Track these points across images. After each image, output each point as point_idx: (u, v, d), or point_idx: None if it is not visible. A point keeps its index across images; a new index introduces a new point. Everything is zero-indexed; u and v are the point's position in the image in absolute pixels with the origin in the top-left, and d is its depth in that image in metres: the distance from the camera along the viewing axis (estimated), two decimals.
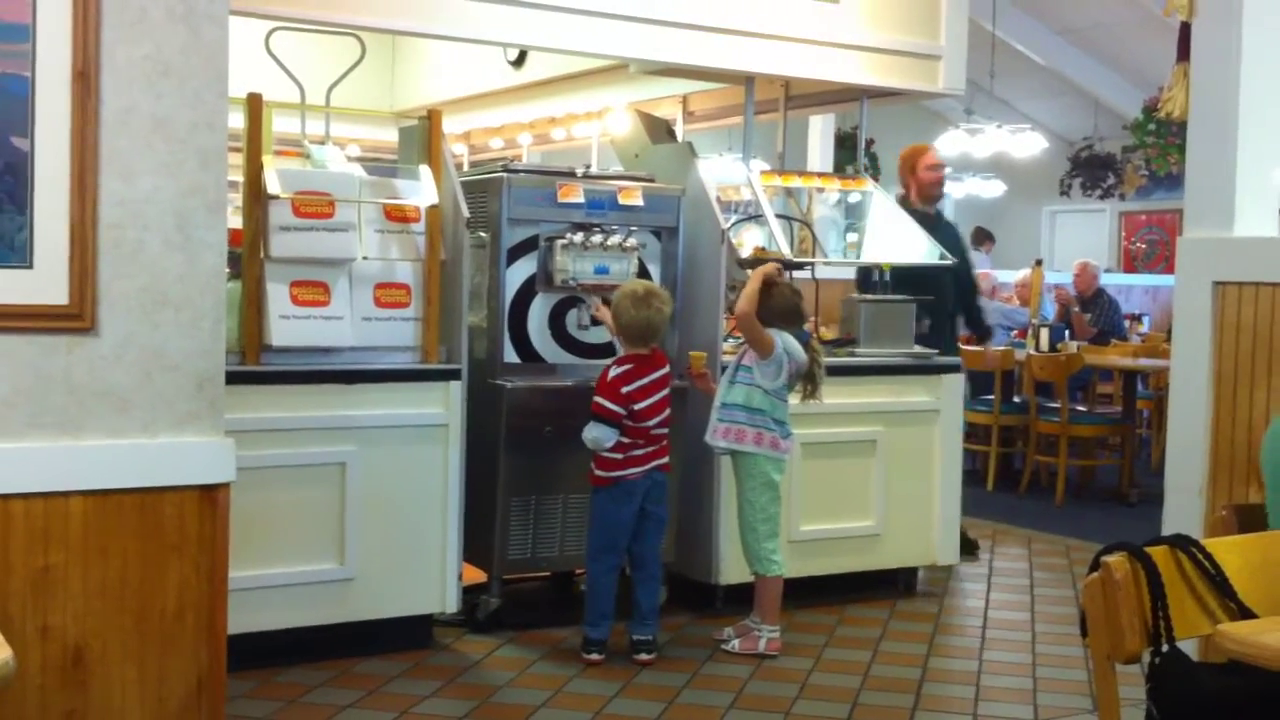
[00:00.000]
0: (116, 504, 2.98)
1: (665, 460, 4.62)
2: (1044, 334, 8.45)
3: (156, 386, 2.99)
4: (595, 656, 4.51)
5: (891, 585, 5.53)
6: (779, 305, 4.70)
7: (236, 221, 4.15)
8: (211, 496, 3.09)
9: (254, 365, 4.24)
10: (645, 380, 4.53)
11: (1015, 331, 9.22)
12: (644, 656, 4.52)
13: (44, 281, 2.84)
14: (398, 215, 4.49)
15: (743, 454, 4.68)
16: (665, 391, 4.60)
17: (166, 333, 2.99)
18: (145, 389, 2.98)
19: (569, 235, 4.88)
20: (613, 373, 4.55)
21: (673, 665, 4.53)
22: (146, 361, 2.98)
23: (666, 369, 4.63)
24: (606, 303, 4.78)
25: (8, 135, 2.77)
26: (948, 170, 6.98)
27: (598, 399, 4.50)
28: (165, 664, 3.09)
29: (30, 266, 2.83)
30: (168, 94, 2.93)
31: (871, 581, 5.46)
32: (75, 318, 2.88)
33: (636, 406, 4.50)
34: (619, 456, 4.53)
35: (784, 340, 4.65)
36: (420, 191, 4.51)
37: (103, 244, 2.90)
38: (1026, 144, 13.14)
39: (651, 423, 4.54)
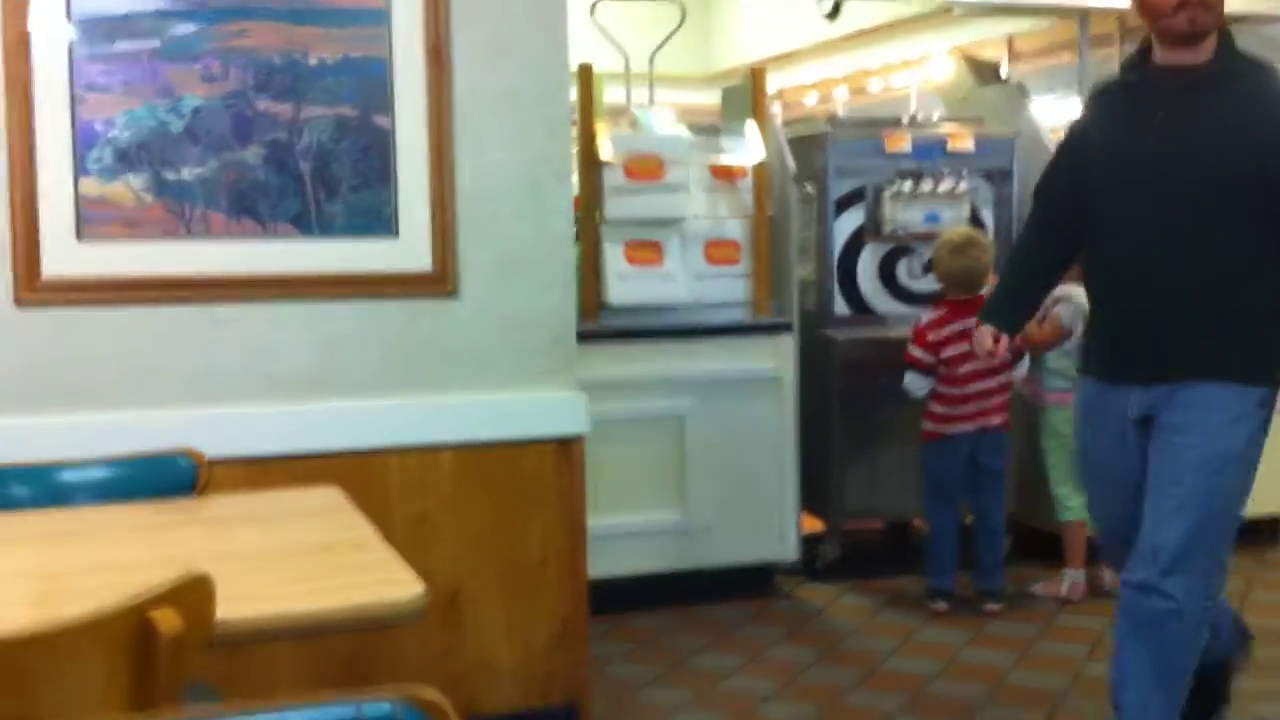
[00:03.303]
0: (481, 457, 3.16)
1: (997, 419, 4.49)
2: None
3: (514, 345, 3.15)
4: (940, 605, 4.47)
5: (1256, 534, 5.20)
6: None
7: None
8: (567, 448, 3.24)
9: (593, 324, 4.39)
10: (957, 327, 4.39)
11: None
12: (991, 606, 4.45)
13: (409, 250, 3.03)
14: (725, 173, 4.54)
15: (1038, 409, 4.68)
16: None
17: (521, 295, 3.15)
18: (504, 348, 3.15)
19: (897, 184, 4.81)
20: (924, 319, 4.50)
21: (1024, 615, 4.43)
22: (504, 322, 3.14)
23: None
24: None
25: (370, 114, 2.97)
26: None
27: (908, 347, 4.47)
28: (531, 608, 3.26)
29: (396, 236, 3.03)
30: (514, 68, 3.07)
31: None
32: (438, 283, 3.06)
33: (945, 354, 4.42)
34: (940, 410, 4.47)
35: (1073, 309, 4.41)
36: (746, 149, 4.55)
37: (461, 213, 3.07)
38: None
39: (961, 370, 4.41)
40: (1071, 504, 4.59)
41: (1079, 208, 3.08)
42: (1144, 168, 2.92)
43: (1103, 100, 3.15)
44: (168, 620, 1.44)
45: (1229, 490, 2.91)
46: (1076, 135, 3.18)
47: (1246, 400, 2.89)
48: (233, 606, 1.54)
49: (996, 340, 3.23)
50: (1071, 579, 4.61)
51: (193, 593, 1.49)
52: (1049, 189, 3.23)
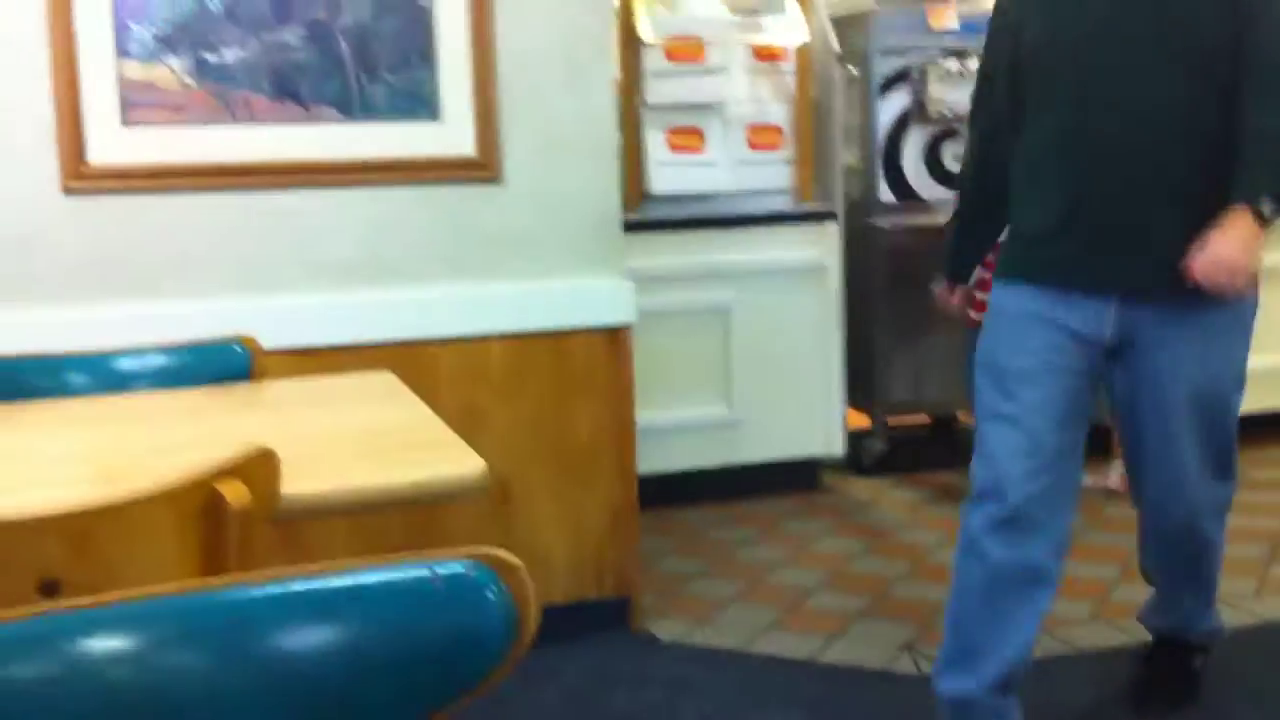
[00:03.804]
0: (531, 345, 3.12)
1: None
2: None
3: (559, 230, 3.09)
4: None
5: None
6: None
7: None
8: (615, 337, 3.19)
9: (636, 214, 4.31)
10: None
11: None
12: None
13: (452, 133, 2.96)
14: (767, 54, 4.42)
15: None
16: None
17: (567, 178, 3.07)
18: (549, 233, 3.08)
19: (943, 62, 4.68)
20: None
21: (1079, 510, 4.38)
22: (551, 207, 3.07)
23: None
24: None
25: None
26: None
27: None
28: (583, 498, 3.24)
29: (439, 119, 2.95)
30: None
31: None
32: (483, 167, 2.99)
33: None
34: (983, 296, 4.33)
35: None
36: (788, 29, 4.42)
37: (502, 95, 2.99)
38: None
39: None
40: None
41: (1019, 86, 2.59)
42: (1109, 22, 2.44)
43: None
44: (235, 492, 1.43)
45: (1234, 416, 2.62)
46: (1010, 14, 2.64)
47: (1238, 313, 2.53)
48: (296, 482, 1.52)
49: (953, 288, 2.91)
50: (1120, 470, 4.56)
51: (259, 466, 1.48)
52: (985, 69, 2.72)
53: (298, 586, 1.05)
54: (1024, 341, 2.53)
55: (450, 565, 1.09)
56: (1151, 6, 2.43)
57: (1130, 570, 3.76)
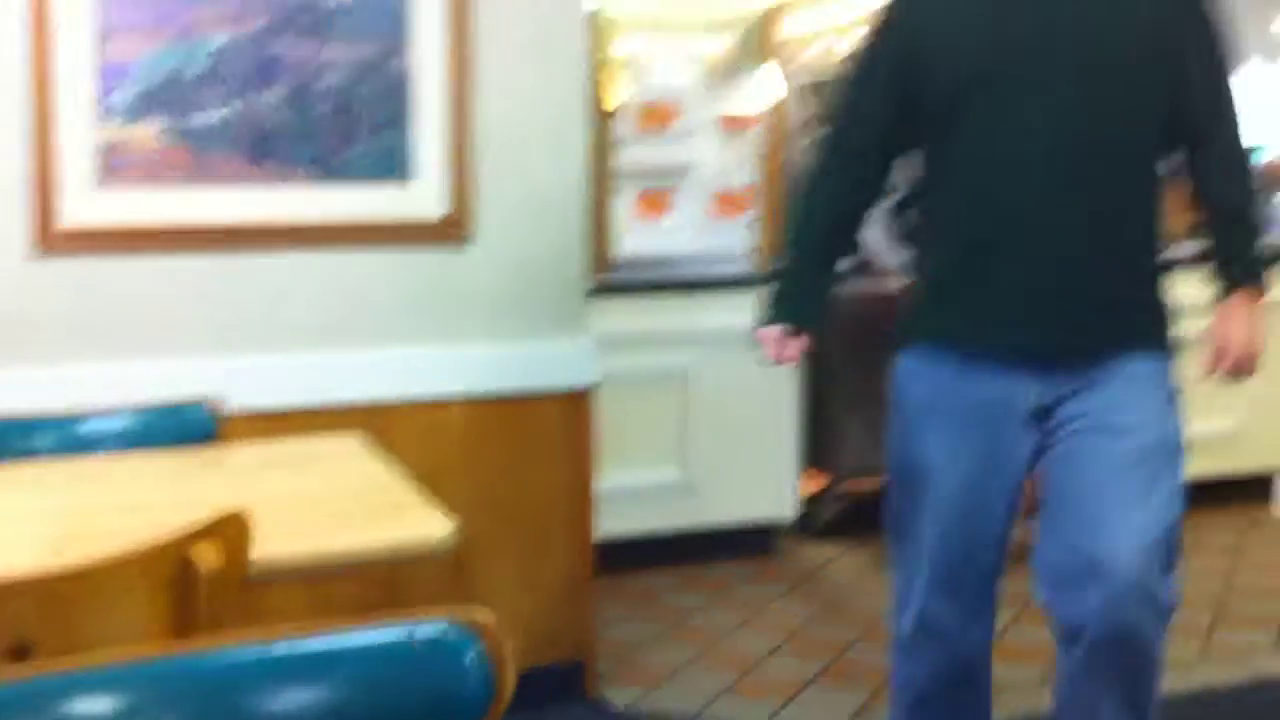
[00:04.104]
0: (492, 408, 3.14)
1: None
2: None
3: (528, 294, 3.12)
4: None
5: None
6: None
7: None
8: (578, 400, 3.21)
9: (601, 278, 4.34)
10: None
11: None
12: None
13: (426, 195, 2.99)
14: (735, 121, 4.51)
15: None
16: None
17: (536, 242, 3.11)
18: (518, 296, 3.12)
19: None
20: None
21: (1023, 571, 4.41)
22: (518, 270, 3.11)
23: None
24: None
25: (390, 56, 2.93)
26: None
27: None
28: (539, 562, 3.25)
29: (414, 181, 2.99)
30: (534, 11, 3.03)
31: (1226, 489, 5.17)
32: (454, 228, 3.02)
33: None
34: None
35: None
36: (757, 95, 4.50)
37: (477, 159, 3.03)
38: None
39: None
40: None
41: (908, 126, 2.31)
42: (1035, 51, 2.20)
43: None
44: (207, 556, 1.44)
45: (1179, 486, 2.29)
46: (906, 24, 2.32)
47: (1170, 374, 2.32)
48: (266, 544, 1.54)
49: (796, 335, 2.45)
50: None
51: (231, 530, 1.50)
52: (859, 108, 2.38)
53: (278, 650, 1.06)
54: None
55: (428, 627, 1.11)
56: (1094, 26, 2.22)
57: None
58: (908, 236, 2.63)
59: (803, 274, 2.50)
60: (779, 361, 2.49)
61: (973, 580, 2.40)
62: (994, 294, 2.28)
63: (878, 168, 2.42)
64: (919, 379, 2.43)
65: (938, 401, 2.38)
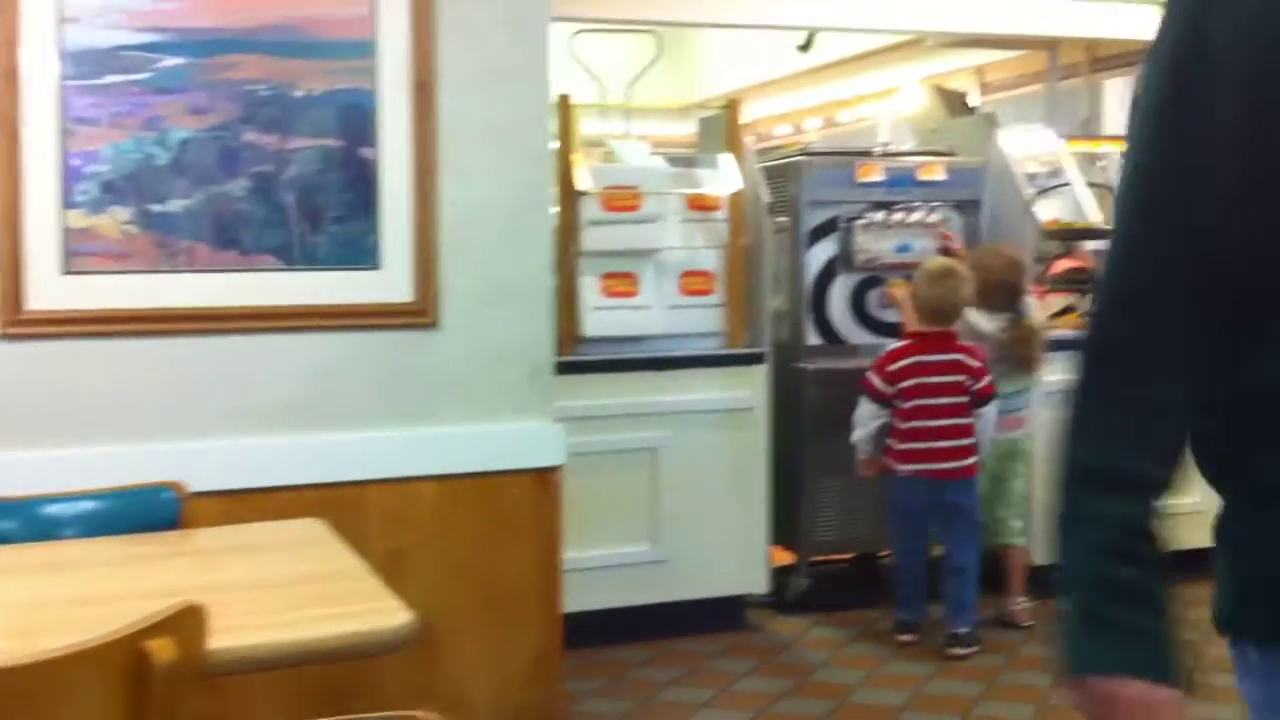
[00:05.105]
0: (461, 488, 3.17)
1: (964, 462, 4.37)
2: None
3: (494, 376, 3.17)
4: (906, 637, 4.46)
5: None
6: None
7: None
8: (545, 479, 3.25)
9: (569, 355, 4.40)
10: (919, 359, 4.36)
11: None
12: (955, 651, 4.34)
13: (391, 281, 3.04)
14: (701, 204, 4.58)
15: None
16: (951, 378, 4.36)
17: (502, 325, 3.16)
18: (484, 379, 3.16)
19: (869, 215, 4.87)
20: (889, 348, 4.47)
21: (992, 645, 4.45)
22: (485, 353, 3.16)
23: (958, 356, 4.38)
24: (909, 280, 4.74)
25: (356, 146, 2.99)
26: None
27: (867, 373, 4.44)
28: (506, 640, 3.26)
29: (379, 268, 3.04)
30: (498, 99, 3.10)
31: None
32: (420, 314, 3.08)
33: (903, 385, 4.35)
34: (898, 446, 4.39)
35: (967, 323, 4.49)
36: (721, 179, 4.59)
37: (443, 245, 3.08)
38: None
39: (910, 405, 4.33)
40: (1014, 525, 4.67)
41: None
42: None
43: None
44: (162, 649, 1.46)
45: None
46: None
47: None
48: (223, 637, 1.56)
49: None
50: (1021, 601, 4.65)
51: (186, 622, 1.51)
52: (1192, 190, 1.17)
53: None
54: None
55: None
56: None
57: (1046, 710, 3.83)
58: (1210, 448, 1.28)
59: (1142, 569, 1.24)
60: None
61: None
62: None
63: (1226, 282, 1.19)
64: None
65: None
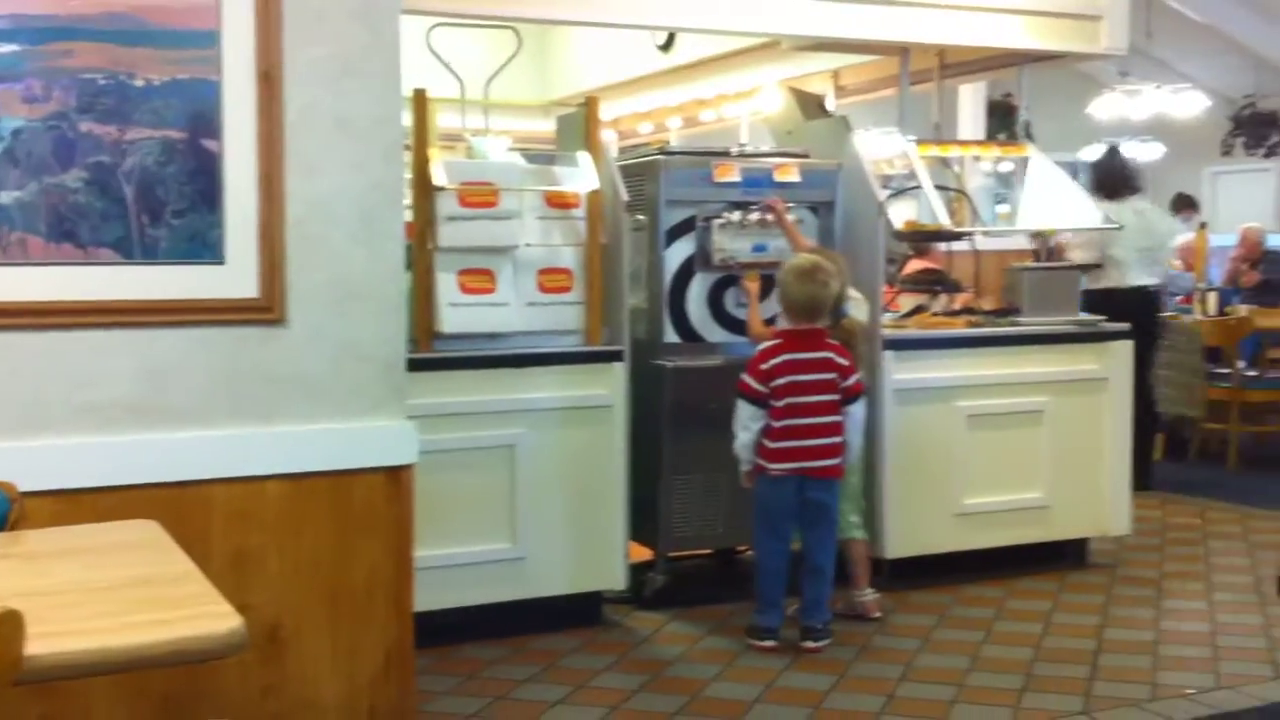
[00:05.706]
0: (310, 487, 3.12)
1: (829, 462, 4.42)
2: (1211, 298, 8.21)
3: (345, 374, 3.13)
4: (766, 644, 4.44)
5: (1061, 557, 5.45)
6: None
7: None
8: (397, 477, 3.22)
9: (426, 352, 4.36)
10: (790, 357, 4.39)
11: (1179, 298, 8.95)
12: (808, 644, 4.42)
13: (236, 277, 2.98)
14: (559, 201, 4.57)
15: None
16: (821, 375, 4.40)
17: (352, 322, 3.12)
18: (334, 377, 3.12)
19: (726, 214, 4.92)
20: (760, 348, 4.47)
21: (846, 638, 4.53)
22: (334, 350, 3.11)
23: (828, 354, 4.43)
24: (766, 280, 4.79)
25: (199, 138, 2.92)
26: None
27: (742, 375, 4.44)
28: (356, 639, 3.23)
29: (223, 263, 2.98)
30: (348, 92, 3.05)
31: (1041, 554, 5.39)
32: (266, 310, 3.02)
33: (775, 383, 4.37)
34: (770, 445, 4.40)
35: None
36: (580, 177, 4.59)
37: (290, 240, 3.03)
38: (1187, 104, 12.72)
39: (782, 403, 4.35)
40: (853, 519, 4.75)
41: None
42: None
43: None
44: None
45: None
46: None
47: None
48: (45, 642, 1.52)
49: None
50: (872, 595, 4.75)
51: (2, 628, 1.46)
52: None
53: None
54: None
55: None
56: None
57: (895, 701, 3.91)
58: None
59: None
60: None
61: None
62: None
63: None
64: None
65: None
